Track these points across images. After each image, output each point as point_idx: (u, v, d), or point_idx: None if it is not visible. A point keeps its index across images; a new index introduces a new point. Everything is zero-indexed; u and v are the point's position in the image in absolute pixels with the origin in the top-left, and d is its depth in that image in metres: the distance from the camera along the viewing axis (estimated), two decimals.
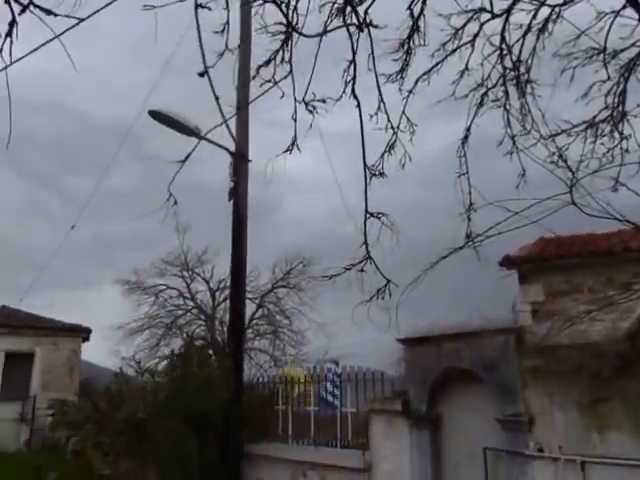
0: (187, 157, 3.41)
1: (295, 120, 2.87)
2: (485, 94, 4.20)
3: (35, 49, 2.81)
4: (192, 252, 25.52)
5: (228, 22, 2.88)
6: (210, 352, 9.66)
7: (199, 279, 25.88)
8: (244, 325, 10.60)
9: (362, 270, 3.13)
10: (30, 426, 16.98)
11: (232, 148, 10.04)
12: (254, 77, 3.34)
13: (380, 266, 3.20)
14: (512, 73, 4.28)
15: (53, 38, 2.98)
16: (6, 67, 2.42)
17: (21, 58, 2.46)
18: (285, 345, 25.64)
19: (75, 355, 19.64)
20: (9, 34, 2.08)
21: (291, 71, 2.88)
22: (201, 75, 3.41)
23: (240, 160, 10.07)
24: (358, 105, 3.17)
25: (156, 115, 9.29)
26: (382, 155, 3.67)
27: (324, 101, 2.98)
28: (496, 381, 5.91)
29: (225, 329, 23.48)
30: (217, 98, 5.28)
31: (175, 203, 3.45)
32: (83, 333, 20.33)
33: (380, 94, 3.58)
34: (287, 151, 2.93)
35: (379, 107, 3.63)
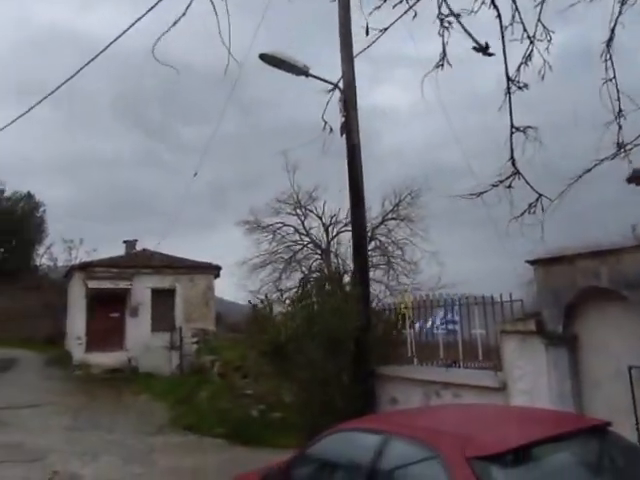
0: (336, 85, 3.49)
1: (442, 35, 2.81)
2: None
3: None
4: (303, 190, 26.42)
5: None
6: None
7: (312, 215, 26.85)
8: (367, 256, 10.92)
9: (510, 186, 3.08)
10: (179, 352, 19.33)
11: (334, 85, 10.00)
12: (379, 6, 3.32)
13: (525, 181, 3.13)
14: None
15: None
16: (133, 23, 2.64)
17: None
18: (399, 275, 26.09)
19: (209, 290, 21.72)
20: None
21: None
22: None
23: (349, 95, 10.03)
24: (498, 15, 3.02)
25: (266, 57, 9.45)
26: (518, 67, 3.50)
27: (459, 15, 2.89)
28: None
29: (340, 261, 24.32)
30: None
31: (331, 131, 3.57)
32: (214, 270, 22.32)
33: (514, 1, 3.37)
34: (438, 66, 2.89)
35: (513, 17, 3.44)
